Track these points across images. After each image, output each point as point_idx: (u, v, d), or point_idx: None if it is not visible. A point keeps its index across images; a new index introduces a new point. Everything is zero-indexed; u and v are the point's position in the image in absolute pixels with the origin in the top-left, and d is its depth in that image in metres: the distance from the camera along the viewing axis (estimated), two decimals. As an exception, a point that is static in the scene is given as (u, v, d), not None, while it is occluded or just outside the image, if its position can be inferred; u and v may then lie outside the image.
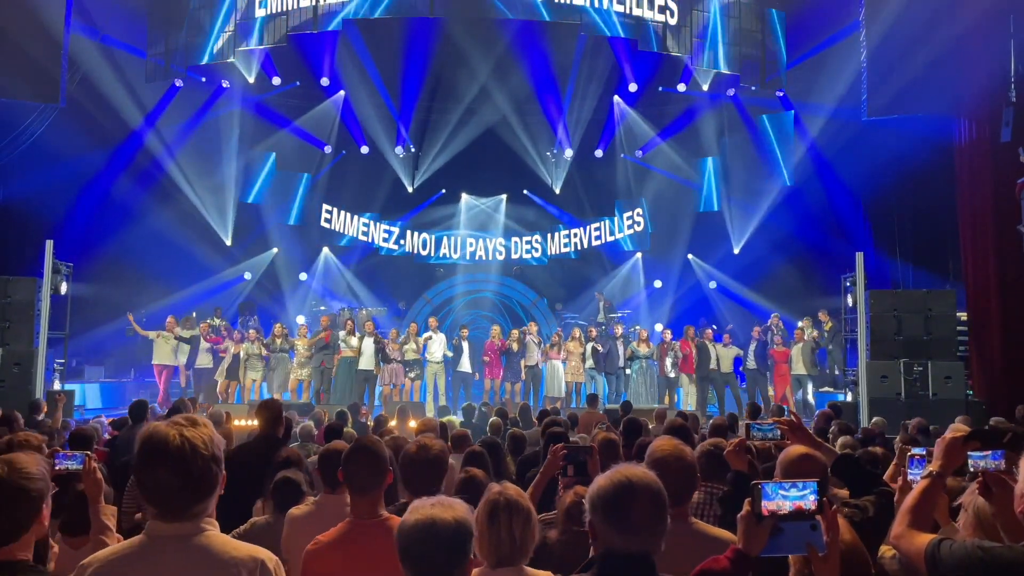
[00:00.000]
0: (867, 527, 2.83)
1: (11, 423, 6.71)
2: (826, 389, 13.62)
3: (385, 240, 18.17)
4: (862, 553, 2.26)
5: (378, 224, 18.14)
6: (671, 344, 14.07)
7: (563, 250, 18.37)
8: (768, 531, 1.90)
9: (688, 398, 13.96)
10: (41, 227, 12.78)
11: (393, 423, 8.72)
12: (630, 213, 18.12)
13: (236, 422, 8.81)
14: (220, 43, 14.29)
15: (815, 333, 13.65)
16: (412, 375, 13.73)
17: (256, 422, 5.40)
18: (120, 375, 15.52)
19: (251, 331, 13.96)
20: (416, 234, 18.27)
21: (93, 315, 14.16)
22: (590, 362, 13.95)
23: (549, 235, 18.44)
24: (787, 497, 1.90)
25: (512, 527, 2.47)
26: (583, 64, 16.48)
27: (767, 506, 1.90)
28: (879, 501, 3.06)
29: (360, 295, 17.95)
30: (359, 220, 18.03)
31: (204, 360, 13.70)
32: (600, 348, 13.88)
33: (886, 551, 2.94)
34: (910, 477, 3.48)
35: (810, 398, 13.21)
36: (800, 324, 13.83)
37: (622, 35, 14.54)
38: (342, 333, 13.68)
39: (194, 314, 14.55)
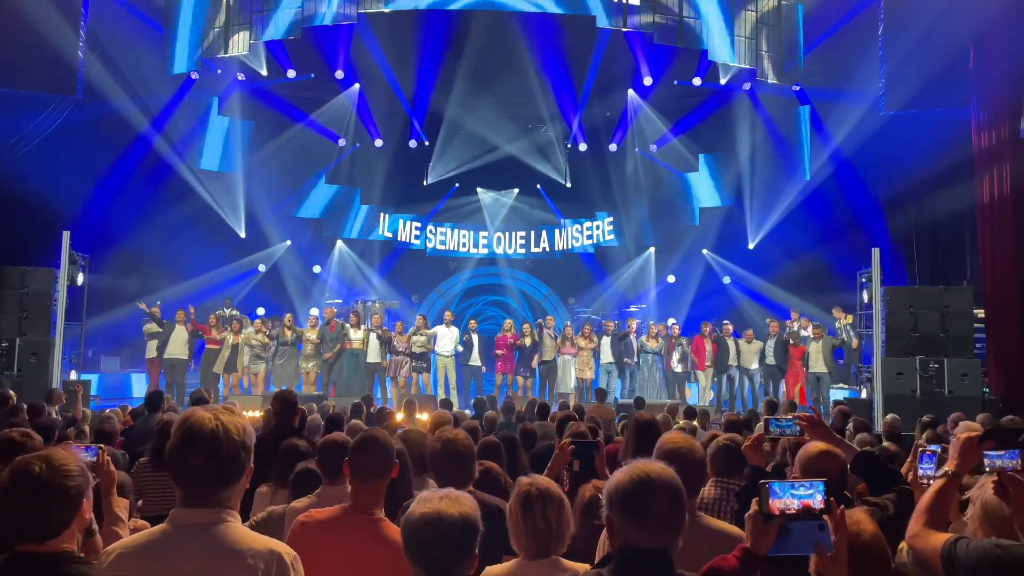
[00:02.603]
0: (887, 525, 2.81)
1: (16, 413, 6.76)
2: (840, 386, 13.52)
3: (398, 234, 18.21)
4: (883, 546, 2.23)
5: (391, 217, 18.18)
6: (679, 339, 14.00)
7: (574, 244, 18.36)
8: (776, 530, 1.89)
9: (703, 393, 13.89)
10: (58, 218, 12.87)
11: (400, 416, 8.73)
12: (598, 223, 18.17)
13: (245, 413, 8.84)
14: (235, 36, 14.33)
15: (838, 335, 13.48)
16: (423, 365, 13.70)
17: (266, 413, 5.43)
18: (136, 366, 15.64)
19: (257, 321, 13.85)
20: (429, 227, 18.31)
21: (109, 306, 14.27)
22: (606, 357, 13.84)
23: (560, 230, 18.43)
24: (795, 496, 1.89)
25: (548, 515, 2.49)
26: (598, 58, 16.40)
27: (775, 505, 1.89)
28: (899, 499, 3.03)
29: (373, 288, 18.01)
30: (372, 213, 18.08)
31: (178, 351, 13.02)
32: (626, 333, 13.81)
33: (899, 549, 2.91)
34: (920, 472, 3.45)
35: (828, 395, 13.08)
36: (814, 331, 13.62)
37: (637, 28, 14.45)
38: (348, 325, 13.65)
39: (223, 307, 14.64)
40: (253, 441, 2.06)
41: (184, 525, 2.00)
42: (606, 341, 13.86)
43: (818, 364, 13.01)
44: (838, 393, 13.17)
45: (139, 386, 14.52)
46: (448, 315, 14.42)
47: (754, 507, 1.92)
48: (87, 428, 7.38)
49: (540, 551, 2.47)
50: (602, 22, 14.50)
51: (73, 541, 2.23)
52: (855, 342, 13.34)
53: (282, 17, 14.07)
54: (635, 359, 13.90)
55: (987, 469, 2.50)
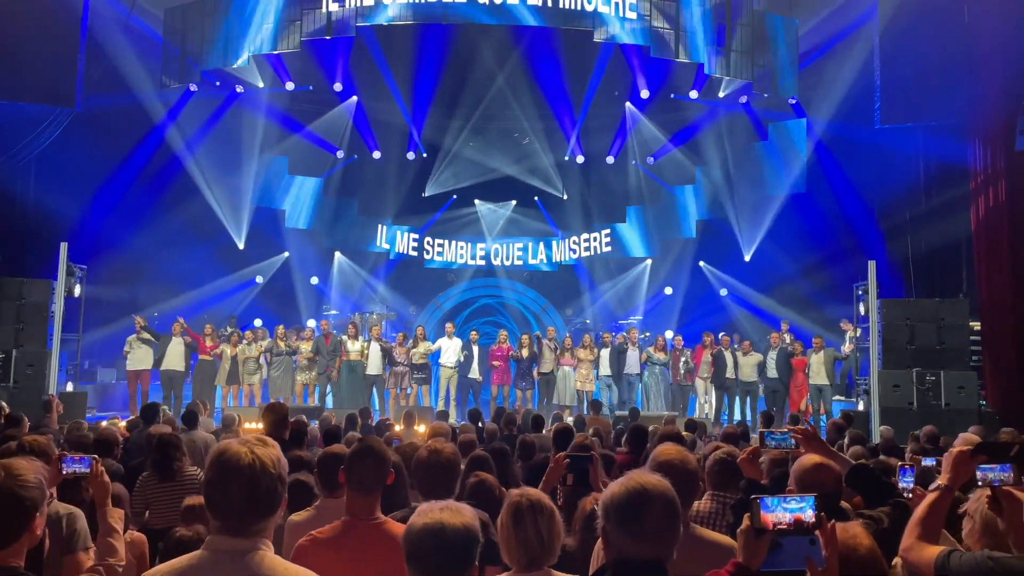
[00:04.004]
0: (882, 538, 2.81)
1: (18, 423, 6.74)
2: (838, 398, 13.50)
3: (396, 245, 18.23)
4: (879, 559, 2.24)
5: (390, 229, 18.22)
6: (683, 351, 13.97)
7: (571, 256, 18.40)
8: (767, 545, 1.90)
9: (703, 405, 13.85)
10: (56, 229, 12.87)
11: (399, 428, 8.72)
12: (595, 235, 18.24)
13: (246, 425, 8.85)
14: (234, 48, 14.35)
15: (847, 345, 13.44)
16: (423, 377, 13.64)
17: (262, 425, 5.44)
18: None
19: (255, 332, 13.77)
20: (427, 239, 18.34)
21: (106, 317, 14.25)
22: (605, 369, 13.75)
23: (558, 241, 18.49)
24: (786, 510, 1.90)
25: (539, 527, 2.48)
26: (596, 71, 16.46)
27: (767, 519, 1.90)
28: (894, 512, 3.03)
29: (371, 300, 18.00)
30: (370, 225, 18.11)
31: (174, 363, 12.84)
32: (624, 345, 13.76)
33: (893, 564, 2.92)
34: (901, 485, 3.48)
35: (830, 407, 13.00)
36: (814, 342, 13.59)
37: (635, 41, 14.51)
38: (344, 337, 13.62)
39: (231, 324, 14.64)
40: (287, 472, 2.06)
41: (222, 551, 1.99)
42: (604, 353, 13.82)
43: (820, 376, 12.92)
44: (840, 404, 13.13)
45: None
46: (450, 327, 14.36)
47: (746, 522, 1.92)
48: (63, 441, 7.31)
49: (531, 562, 2.47)
50: (600, 36, 14.54)
51: (21, 558, 2.15)
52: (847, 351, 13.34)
53: (281, 30, 14.12)
54: (636, 370, 13.81)
55: (980, 483, 2.52)
